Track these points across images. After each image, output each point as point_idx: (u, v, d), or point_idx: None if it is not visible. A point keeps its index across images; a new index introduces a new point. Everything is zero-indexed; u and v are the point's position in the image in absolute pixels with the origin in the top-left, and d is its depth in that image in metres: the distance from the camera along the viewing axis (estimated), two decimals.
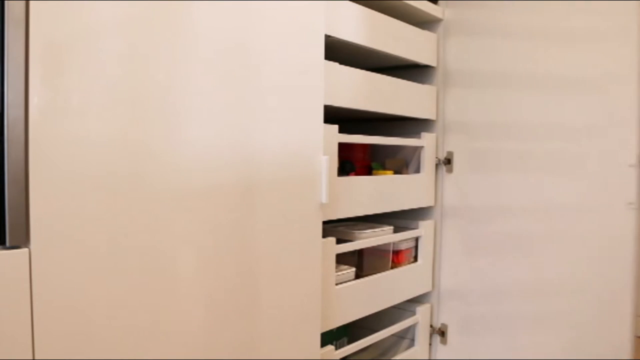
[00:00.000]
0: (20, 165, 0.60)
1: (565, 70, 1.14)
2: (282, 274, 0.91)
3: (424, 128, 1.38)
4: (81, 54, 0.64)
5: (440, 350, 1.39)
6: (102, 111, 0.66)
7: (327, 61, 0.99)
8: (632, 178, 1.06)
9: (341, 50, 1.13)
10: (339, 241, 1.09)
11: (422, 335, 1.36)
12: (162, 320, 0.74)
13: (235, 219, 0.83)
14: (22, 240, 0.60)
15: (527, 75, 1.20)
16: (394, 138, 1.23)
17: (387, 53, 1.18)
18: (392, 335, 1.32)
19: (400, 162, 1.37)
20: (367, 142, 1.17)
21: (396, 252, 1.28)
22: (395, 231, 1.26)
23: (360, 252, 1.18)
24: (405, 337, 1.37)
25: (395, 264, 1.28)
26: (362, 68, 1.13)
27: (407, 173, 1.35)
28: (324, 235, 1.01)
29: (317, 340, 1.00)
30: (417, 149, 1.33)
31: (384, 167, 1.35)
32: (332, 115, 1.18)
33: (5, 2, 0.58)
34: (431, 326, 1.38)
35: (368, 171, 1.33)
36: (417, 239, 1.34)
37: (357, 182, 1.11)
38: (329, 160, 0.99)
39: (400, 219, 1.37)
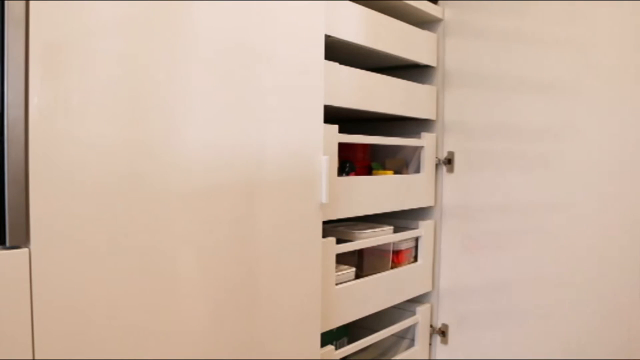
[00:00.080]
0: (20, 165, 0.60)
1: (565, 70, 1.14)
2: (282, 274, 0.91)
3: (424, 128, 1.38)
4: (81, 54, 0.64)
5: (440, 350, 1.39)
6: (102, 111, 0.66)
7: (327, 61, 0.99)
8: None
9: (341, 50, 1.13)
10: (339, 241, 1.09)
11: (422, 335, 1.36)
12: (162, 320, 0.74)
13: (235, 219, 0.83)
14: (22, 240, 0.60)
15: (527, 74, 1.20)
16: (394, 138, 1.23)
17: (387, 53, 1.18)
18: (392, 335, 1.32)
19: (400, 162, 1.37)
20: (367, 142, 1.17)
21: (396, 252, 1.28)
22: (395, 231, 1.26)
23: (360, 252, 1.18)
24: (405, 337, 1.37)
25: (395, 264, 1.28)
26: (362, 68, 1.13)
27: (407, 173, 1.35)
28: (324, 235, 1.01)
29: (317, 340, 1.00)
30: (417, 149, 1.33)
31: (384, 167, 1.35)
32: (332, 115, 1.18)
33: (5, 2, 0.58)
34: (431, 326, 1.38)
35: (368, 171, 1.33)
36: (417, 239, 1.34)
37: (357, 182, 1.11)
38: (329, 160, 0.99)
39: (400, 219, 1.37)
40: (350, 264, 1.14)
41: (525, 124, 1.20)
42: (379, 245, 1.21)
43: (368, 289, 1.16)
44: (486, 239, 1.28)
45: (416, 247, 1.34)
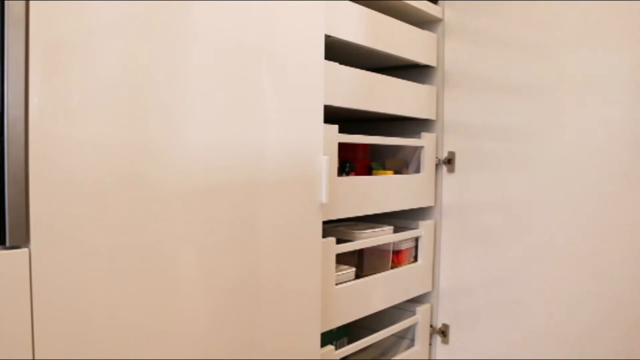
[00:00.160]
0: (20, 165, 0.60)
1: (565, 70, 1.14)
2: (282, 274, 0.91)
3: (424, 128, 1.38)
4: (81, 54, 0.64)
5: (441, 350, 1.39)
6: (102, 111, 0.66)
7: (327, 61, 0.99)
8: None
9: (341, 50, 1.13)
10: (339, 241, 1.09)
11: (422, 335, 1.36)
12: (162, 320, 0.74)
13: (235, 219, 0.83)
14: (22, 240, 0.60)
15: (527, 74, 1.20)
16: (394, 138, 1.23)
17: (387, 53, 1.18)
18: (392, 335, 1.32)
19: (400, 162, 1.37)
20: (367, 142, 1.17)
21: (396, 252, 1.28)
22: (395, 231, 1.26)
23: (360, 252, 1.18)
24: (405, 337, 1.37)
25: (395, 264, 1.28)
26: (362, 68, 1.12)
27: (407, 173, 1.35)
28: (324, 235, 1.01)
29: (317, 340, 1.00)
30: (417, 149, 1.33)
31: (384, 167, 1.35)
32: (332, 115, 1.18)
33: (5, 2, 0.58)
34: (431, 326, 1.38)
35: (368, 171, 1.33)
36: (417, 239, 1.34)
37: (357, 182, 1.11)
38: (329, 160, 0.99)
39: (400, 219, 1.37)
40: (350, 264, 1.14)
41: (526, 124, 1.20)
42: (379, 245, 1.21)
43: (368, 289, 1.16)
44: (487, 238, 1.28)
45: (416, 247, 1.34)
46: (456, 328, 1.35)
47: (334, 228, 1.18)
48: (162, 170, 0.73)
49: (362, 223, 1.27)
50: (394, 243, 1.27)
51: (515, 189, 1.22)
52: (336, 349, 1.08)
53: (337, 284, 1.07)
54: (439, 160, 1.36)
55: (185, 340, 0.77)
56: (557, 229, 1.16)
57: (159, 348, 0.73)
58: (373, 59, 1.26)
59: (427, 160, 1.33)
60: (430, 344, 1.39)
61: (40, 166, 0.61)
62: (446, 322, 1.37)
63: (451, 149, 1.34)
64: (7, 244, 0.59)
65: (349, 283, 1.10)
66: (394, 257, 1.27)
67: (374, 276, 1.18)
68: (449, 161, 1.34)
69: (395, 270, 1.25)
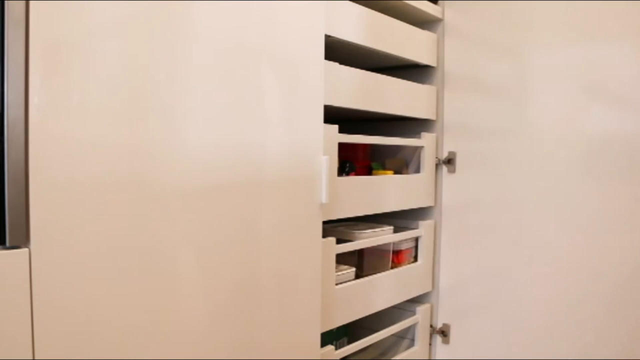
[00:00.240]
0: (20, 165, 0.60)
1: (565, 71, 1.14)
2: (282, 273, 0.91)
3: (424, 128, 1.38)
4: (81, 54, 0.64)
5: (441, 350, 1.39)
6: (102, 111, 0.66)
7: (327, 61, 0.99)
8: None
9: (341, 50, 1.13)
10: (339, 241, 1.09)
11: (422, 335, 1.36)
12: (162, 320, 0.74)
13: (235, 218, 0.83)
14: (22, 240, 0.60)
15: (527, 74, 1.20)
16: (394, 138, 1.23)
17: (387, 53, 1.18)
18: (392, 335, 1.32)
19: (400, 162, 1.37)
20: (367, 142, 1.17)
21: (396, 252, 1.28)
22: (395, 231, 1.26)
23: (360, 252, 1.18)
24: (405, 337, 1.37)
25: (395, 264, 1.28)
26: (362, 68, 1.12)
27: (407, 173, 1.35)
28: (324, 235, 1.01)
29: (317, 340, 1.00)
30: (417, 149, 1.33)
31: (384, 167, 1.35)
32: (332, 115, 1.18)
33: (5, 2, 0.58)
34: (431, 326, 1.38)
35: (368, 171, 1.33)
36: (417, 239, 1.34)
37: (357, 182, 1.11)
38: (329, 160, 0.99)
39: (400, 219, 1.37)
40: (350, 264, 1.14)
41: (526, 124, 1.20)
42: (379, 245, 1.21)
43: (368, 289, 1.16)
44: (487, 238, 1.28)
45: (416, 247, 1.34)
46: (456, 328, 1.35)
47: (334, 228, 1.18)
48: (162, 170, 0.73)
49: (362, 223, 1.27)
50: (394, 243, 1.27)
51: (516, 189, 1.22)
52: (336, 349, 1.08)
53: (337, 284, 1.07)
54: (439, 160, 1.36)
55: (185, 340, 0.77)
56: (557, 229, 1.16)
57: (159, 348, 0.73)
58: (373, 59, 1.26)
59: (427, 160, 1.33)
60: (430, 344, 1.39)
61: (40, 166, 0.61)
62: (446, 322, 1.37)
63: (451, 149, 1.34)
64: (7, 244, 0.59)
65: (349, 283, 1.10)
66: (394, 257, 1.27)
67: (374, 276, 1.18)
68: (449, 161, 1.34)
69: (395, 270, 1.25)
